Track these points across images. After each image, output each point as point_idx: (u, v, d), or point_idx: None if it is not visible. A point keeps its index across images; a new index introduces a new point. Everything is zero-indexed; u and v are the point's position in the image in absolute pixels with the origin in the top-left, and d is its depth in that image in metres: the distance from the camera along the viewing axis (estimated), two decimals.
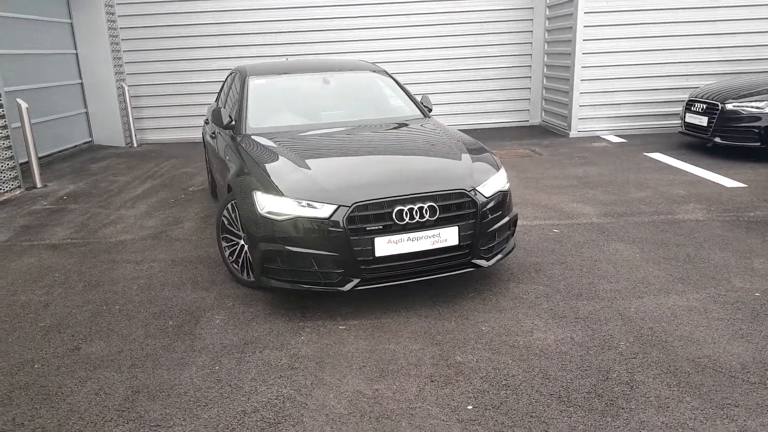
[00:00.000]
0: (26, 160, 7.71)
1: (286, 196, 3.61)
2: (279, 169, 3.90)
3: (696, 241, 4.86)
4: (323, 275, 3.60)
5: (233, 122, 4.86)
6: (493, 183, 3.94)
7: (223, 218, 4.24)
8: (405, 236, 3.55)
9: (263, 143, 4.37)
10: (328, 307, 3.83)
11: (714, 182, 6.70)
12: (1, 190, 7.20)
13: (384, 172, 3.89)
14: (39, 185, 7.69)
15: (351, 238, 3.49)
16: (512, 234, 4.19)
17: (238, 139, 4.62)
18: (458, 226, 3.67)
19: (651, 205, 5.90)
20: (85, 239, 5.49)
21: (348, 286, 3.58)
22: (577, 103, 9.95)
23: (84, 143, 10.78)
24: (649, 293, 3.92)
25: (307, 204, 3.56)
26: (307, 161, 3.96)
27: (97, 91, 10.79)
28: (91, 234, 5.64)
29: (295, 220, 3.55)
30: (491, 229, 3.85)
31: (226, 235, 4.24)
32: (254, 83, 5.18)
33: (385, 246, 3.53)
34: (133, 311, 3.88)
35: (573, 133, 10.03)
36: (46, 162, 9.28)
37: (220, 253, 4.41)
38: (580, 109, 9.99)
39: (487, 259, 3.90)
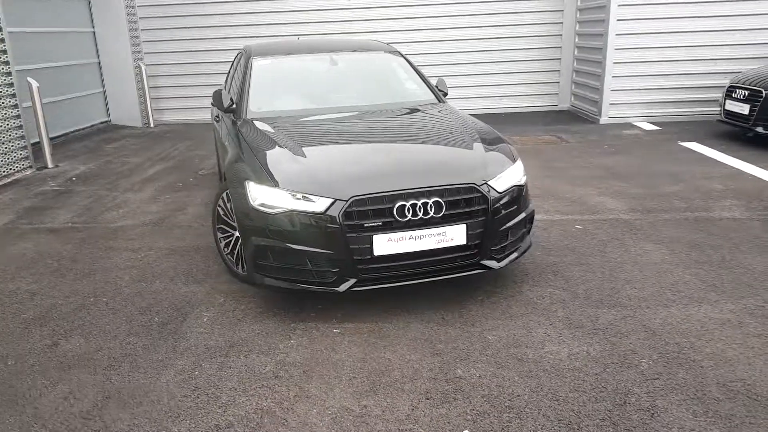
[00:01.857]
0: (38, 140, 7.59)
1: (279, 188, 3.33)
2: (274, 157, 3.62)
3: (732, 243, 4.45)
4: (318, 274, 3.33)
5: (234, 105, 4.59)
6: (507, 176, 3.60)
7: (219, 208, 3.99)
8: (407, 234, 3.25)
9: (262, 129, 4.09)
10: (325, 307, 3.57)
11: (755, 176, 6.21)
12: (12, 171, 7.09)
13: (386, 162, 3.58)
14: (50, 165, 7.57)
15: (347, 235, 3.20)
16: (528, 231, 3.86)
17: (238, 123, 4.35)
18: (467, 223, 3.34)
19: (684, 201, 5.48)
20: (86, 224, 5.32)
21: (343, 287, 3.30)
22: (609, 88, 9.43)
23: (101, 123, 10.68)
24: (677, 302, 3.56)
25: (302, 197, 3.28)
26: (304, 149, 3.67)
27: (115, 71, 10.65)
28: (93, 218, 5.47)
29: (289, 214, 3.28)
30: (504, 227, 3.52)
31: (222, 226, 3.99)
32: (258, 64, 4.89)
33: (385, 244, 3.23)
34: (120, 305, 3.67)
35: (603, 120, 9.54)
36: (61, 141, 9.19)
37: (216, 245, 4.17)
38: (612, 93, 9.47)
39: (498, 260, 3.57)
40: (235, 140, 4.11)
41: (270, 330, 3.31)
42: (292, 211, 3.27)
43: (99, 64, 10.65)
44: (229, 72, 6.06)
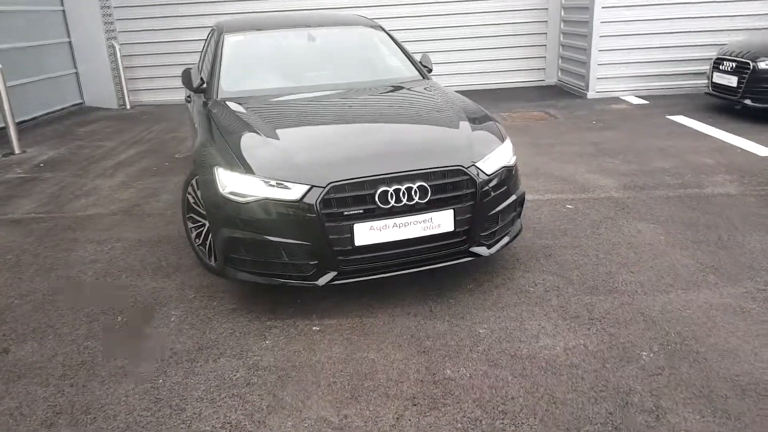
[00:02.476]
0: (4, 125, 7.20)
1: (250, 174, 3.06)
2: (245, 141, 3.34)
3: (729, 221, 4.26)
4: (295, 267, 3.08)
5: (204, 85, 4.28)
6: (496, 157, 3.36)
7: (188, 196, 3.72)
8: (390, 222, 3.00)
9: (233, 110, 3.80)
10: (304, 301, 3.33)
11: (744, 150, 6.03)
12: None
13: (367, 144, 3.32)
14: (17, 151, 7.19)
15: (326, 224, 2.95)
16: (518, 215, 3.63)
17: (209, 104, 4.05)
18: (454, 209, 3.10)
19: (676, 177, 5.28)
20: (51, 213, 5.01)
21: (323, 280, 3.06)
22: (596, 62, 9.17)
23: (74, 105, 10.22)
24: (676, 287, 3.36)
25: (276, 183, 3.01)
26: (278, 132, 3.39)
27: (87, 50, 10.17)
28: (59, 207, 5.16)
29: (261, 203, 3.01)
30: (493, 211, 3.28)
31: (192, 215, 3.72)
32: (230, 40, 4.57)
33: (367, 233, 2.99)
34: (81, 304, 3.40)
35: (591, 94, 9.30)
36: (31, 125, 8.78)
37: (186, 235, 3.90)
38: (599, 67, 9.21)
39: (488, 246, 3.35)
40: (205, 122, 3.82)
41: (243, 329, 3.07)
42: (266, 199, 3.00)
43: (70, 43, 10.16)
44: (203, 50, 5.73)
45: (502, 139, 3.53)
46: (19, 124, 8.55)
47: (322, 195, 2.93)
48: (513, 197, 3.45)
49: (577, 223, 4.32)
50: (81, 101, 10.42)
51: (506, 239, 3.47)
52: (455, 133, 3.47)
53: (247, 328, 3.07)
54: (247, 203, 3.04)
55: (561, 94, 9.86)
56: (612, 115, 8.05)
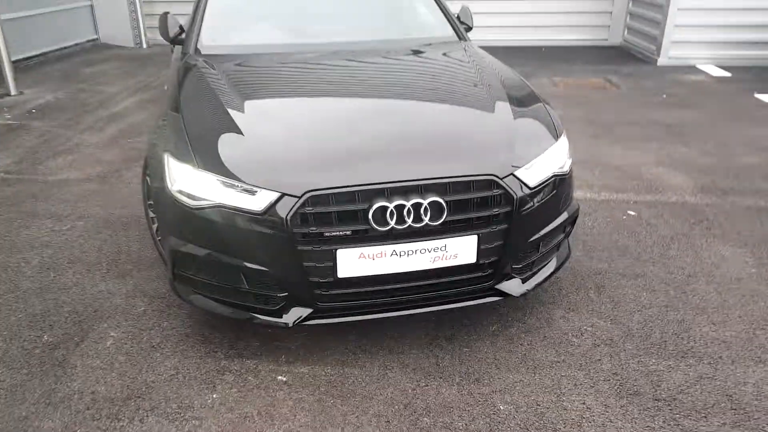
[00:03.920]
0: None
1: (203, 170, 2.26)
2: (205, 120, 2.53)
3: None
4: (257, 298, 2.31)
5: (182, 34, 3.46)
6: (545, 162, 2.45)
7: (148, 178, 2.96)
8: (388, 249, 2.18)
9: (208, 73, 2.96)
10: (275, 333, 2.57)
11: None
12: None
13: (366, 135, 2.46)
14: (13, 92, 6.54)
15: (300, 247, 2.15)
16: (567, 235, 2.75)
17: (185, 59, 3.24)
18: (479, 234, 2.26)
19: None
20: (21, 174, 4.35)
21: (290, 318, 2.28)
22: (673, 23, 7.88)
23: (88, 41, 9.52)
24: None
25: (240, 185, 2.21)
26: (246, 105, 2.57)
27: None
28: (32, 166, 4.50)
29: (216, 211, 2.22)
30: (534, 237, 2.42)
31: (152, 202, 2.97)
32: None
33: (354, 263, 2.18)
34: (8, 308, 2.72)
35: (662, 60, 8.06)
36: (38, 62, 8.14)
37: (147, 225, 3.17)
38: (675, 29, 7.93)
39: (523, 281, 2.50)
40: (174, 85, 3.02)
41: (189, 370, 2.34)
42: (221, 206, 2.21)
43: None
44: None
45: (557, 135, 2.62)
46: (25, 60, 7.94)
47: (295, 207, 2.12)
48: (564, 215, 2.57)
49: (640, 240, 3.41)
50: (96, 37, 9.72)
51: (548, 271, 2.60)
52: (490, 121, 2.58)
53: (196, 369, 2.34)
54: (199, 209, 2.25)
55: (626, 57, 8.63)
56: (687, 88, 6.88)
